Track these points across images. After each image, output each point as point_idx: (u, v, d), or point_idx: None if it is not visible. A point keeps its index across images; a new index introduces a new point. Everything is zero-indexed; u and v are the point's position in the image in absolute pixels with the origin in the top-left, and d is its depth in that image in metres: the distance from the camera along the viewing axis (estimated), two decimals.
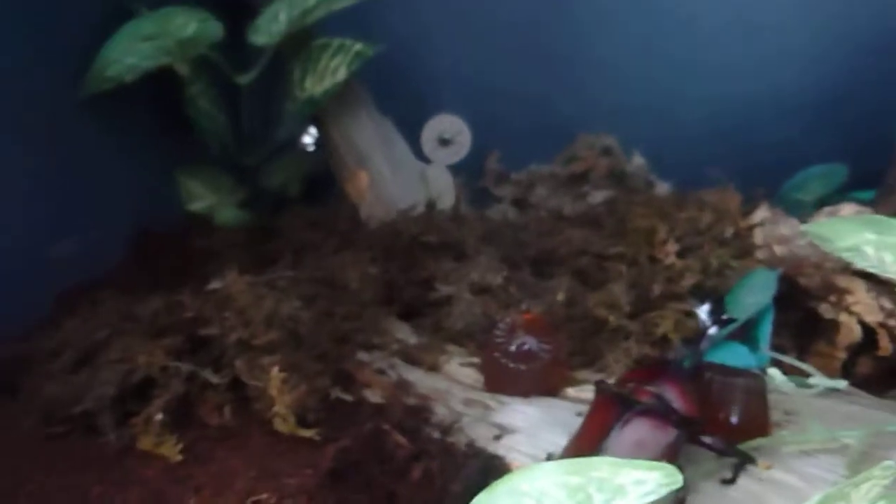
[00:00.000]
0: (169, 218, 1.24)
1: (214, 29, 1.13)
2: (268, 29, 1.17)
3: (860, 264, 0.72)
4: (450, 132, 1.42)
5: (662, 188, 1.34)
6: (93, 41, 1.08)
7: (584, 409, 0.72)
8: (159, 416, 0.71)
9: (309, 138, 1.39)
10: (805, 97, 1.32)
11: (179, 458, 0.70)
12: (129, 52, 1.07)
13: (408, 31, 1.36)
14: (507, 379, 0.83)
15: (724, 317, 0.78)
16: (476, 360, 0.88)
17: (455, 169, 1.38)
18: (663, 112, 1.36)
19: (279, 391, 0.72)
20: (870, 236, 0.72)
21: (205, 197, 1.29)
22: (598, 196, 1.29)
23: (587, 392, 0.79)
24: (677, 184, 1.33)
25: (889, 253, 0.71)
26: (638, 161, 1.36)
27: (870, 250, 0.71)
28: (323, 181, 1.35)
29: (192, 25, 1.11)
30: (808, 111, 1.32)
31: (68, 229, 1.05)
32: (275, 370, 0.73)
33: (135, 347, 0.75)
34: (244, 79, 1.20)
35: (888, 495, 0.59)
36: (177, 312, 0.80)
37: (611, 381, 0.75)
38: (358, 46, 1.21)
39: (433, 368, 0.88)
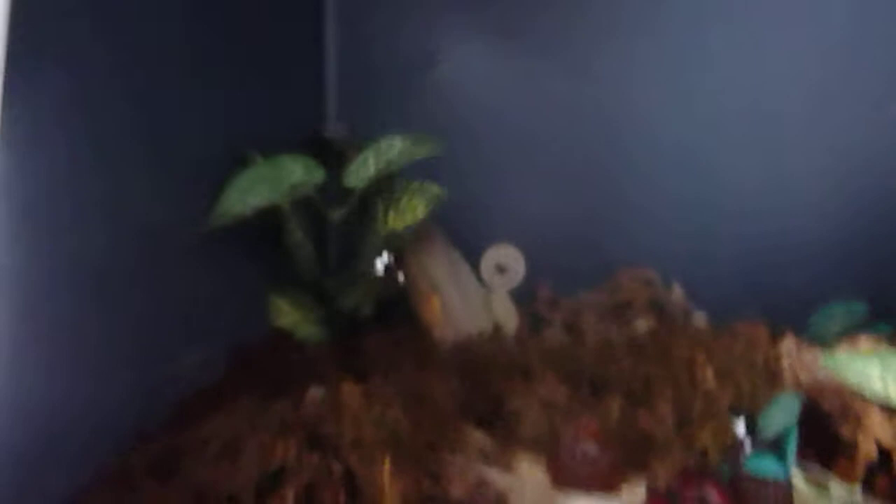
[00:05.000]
0: (256, 332, 1.39)
1: (318, 174, 1.31)
2: (358, 174, 1.36)
3: (867, 394, 0.87)
4: (506, 260, 1.58)
5: (699, 318, 1.49)
6: (209, 184, 1.25)
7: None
8: (291, 498, 0.87)
9: (381, 265, 1.52)
10: (827, 241, 1.48)
11: None
12: (250, 193, 1.25)
13: (468, 170, 1.55)
14: (572, 477, 0.99)
15: (757, 434, 0.93)
16: (544, 461, 1.04)
17: (509, 293, 1.54)
18: (699, 250, 1.53)
19: (389, 481, 0.88)
20: (876, 370, 0.87)
21: (290, 314, 1.43)
22: (640, 323, 1.45)
23: (639, 491, 0.94)
24: (711, 314, 1.48)
25: (893, 384, 0.86)
26: (677, 292, 1.52)
27: (876, 382, 0.86)
28: (391, 304, 1.48)
29: (300, 171, 1.30)
30: (831, 254, 1.47)
31: (185, 343, 1.20)
32: (387, 462, 0.88)
33: (269, 441, 0.91)
34: (336, 215, 1.39)
35: None
36: (301, 414, 0.96)
37: (659, 484, 0.90)
38: (435, 189, 1.40)
39: (507, 469, 1.03)
